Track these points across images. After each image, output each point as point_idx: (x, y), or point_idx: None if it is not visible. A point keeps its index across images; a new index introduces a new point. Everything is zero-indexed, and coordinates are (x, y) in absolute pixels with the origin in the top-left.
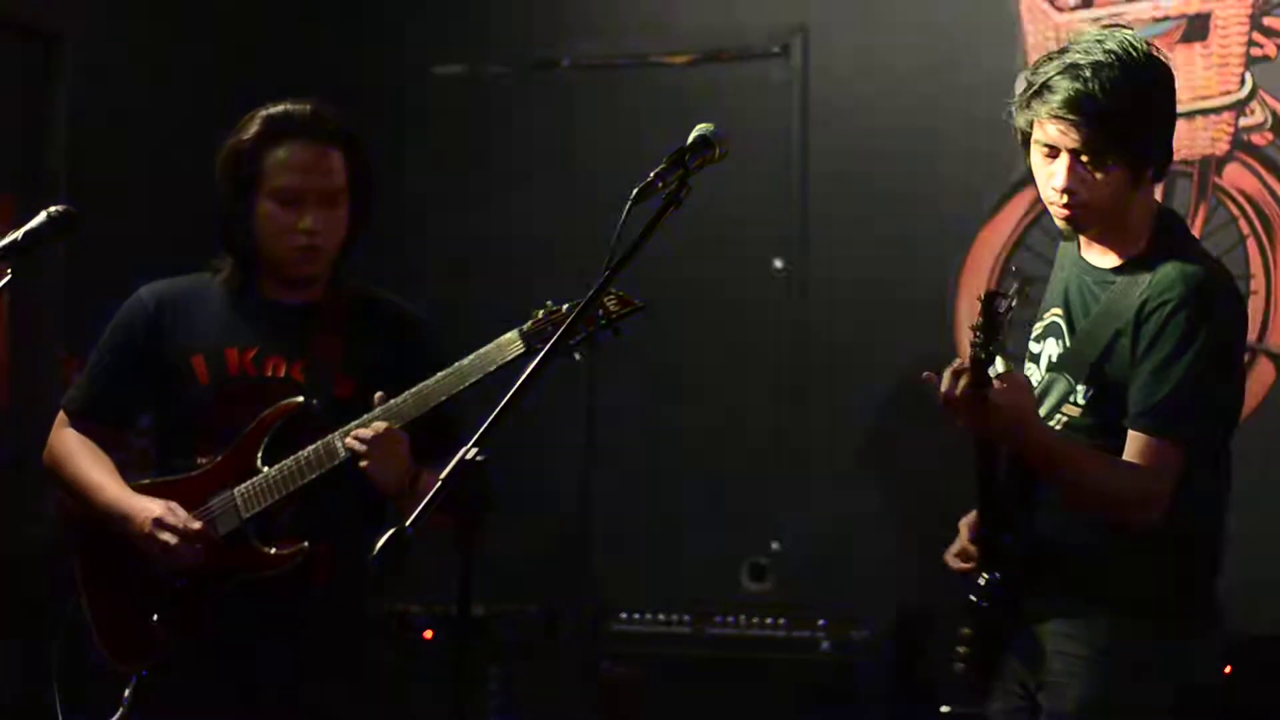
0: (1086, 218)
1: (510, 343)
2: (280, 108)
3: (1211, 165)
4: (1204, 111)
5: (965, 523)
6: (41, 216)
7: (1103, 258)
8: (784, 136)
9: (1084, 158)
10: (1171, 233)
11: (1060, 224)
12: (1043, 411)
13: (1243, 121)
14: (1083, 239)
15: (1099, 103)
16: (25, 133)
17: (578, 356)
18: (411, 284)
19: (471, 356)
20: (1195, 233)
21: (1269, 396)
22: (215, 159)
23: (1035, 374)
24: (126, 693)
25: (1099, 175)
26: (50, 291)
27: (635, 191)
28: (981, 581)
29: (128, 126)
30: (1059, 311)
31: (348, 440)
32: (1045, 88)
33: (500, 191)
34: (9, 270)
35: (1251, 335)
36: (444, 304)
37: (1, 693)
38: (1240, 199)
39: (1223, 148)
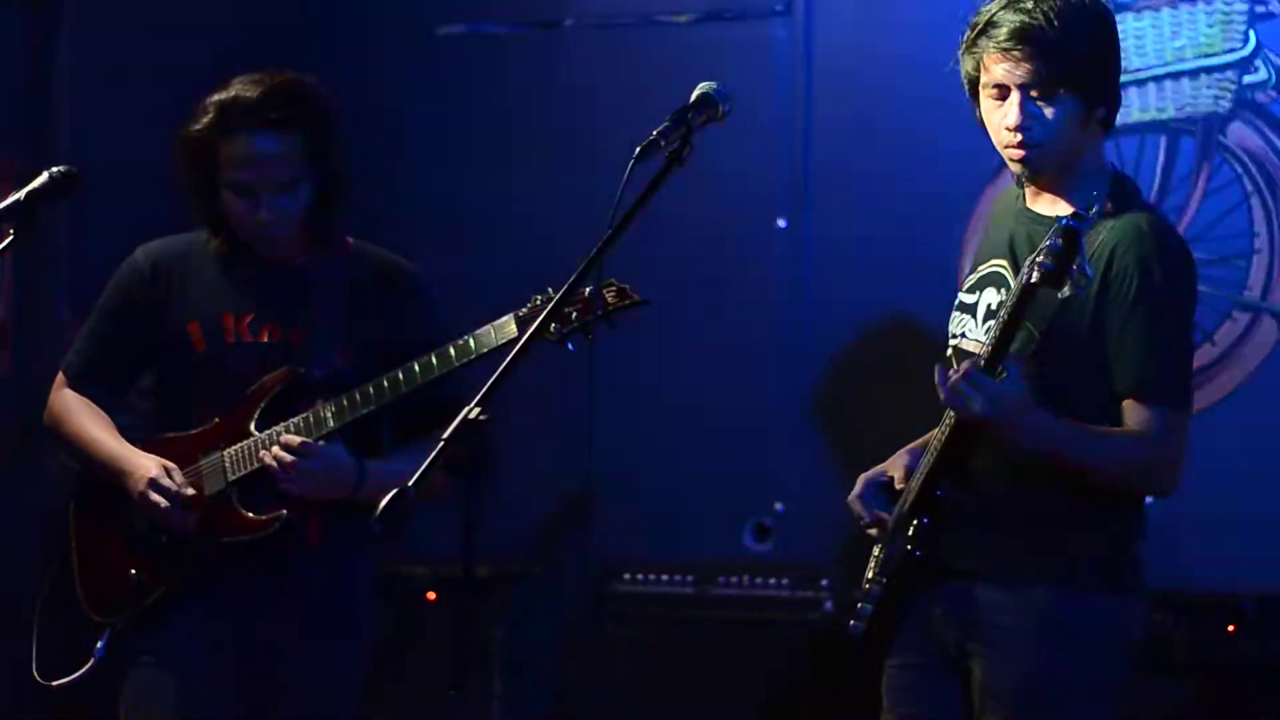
0: (1041, 158)
1: (505, 326)
2: (230, 94)
3: (1215, 123)
4: (1207, 69)
5: (866, 478)
6: (43, 177)
7: (1053, 208)
8: (787, 95)
9: (1034, 92)
10: (1128, 188)
11: (1015, 168)
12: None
13: (1246, 79)
14: (1029, 191)
15: (1045, 32)
16: (26, 94)
17: (570, 347)
18: (413, 246)
19: (465, 338)
20: (1198, 191)
21: (1271, 356)
22: (172, 146)
23: (971, 324)
24: (99, 645)
25: (1050, 110)
26: (53, 253)
27: (638, 150)
28: (911, 530)
29: (129, 87)
30: (1002, 262)
31: (266, 458)
32: (989, 25)
33: (503, 151)
34: (11, 232)
35: (1254, 294)
36: (446, 265)
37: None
38: (1244, 157)
39: (1226, 106)
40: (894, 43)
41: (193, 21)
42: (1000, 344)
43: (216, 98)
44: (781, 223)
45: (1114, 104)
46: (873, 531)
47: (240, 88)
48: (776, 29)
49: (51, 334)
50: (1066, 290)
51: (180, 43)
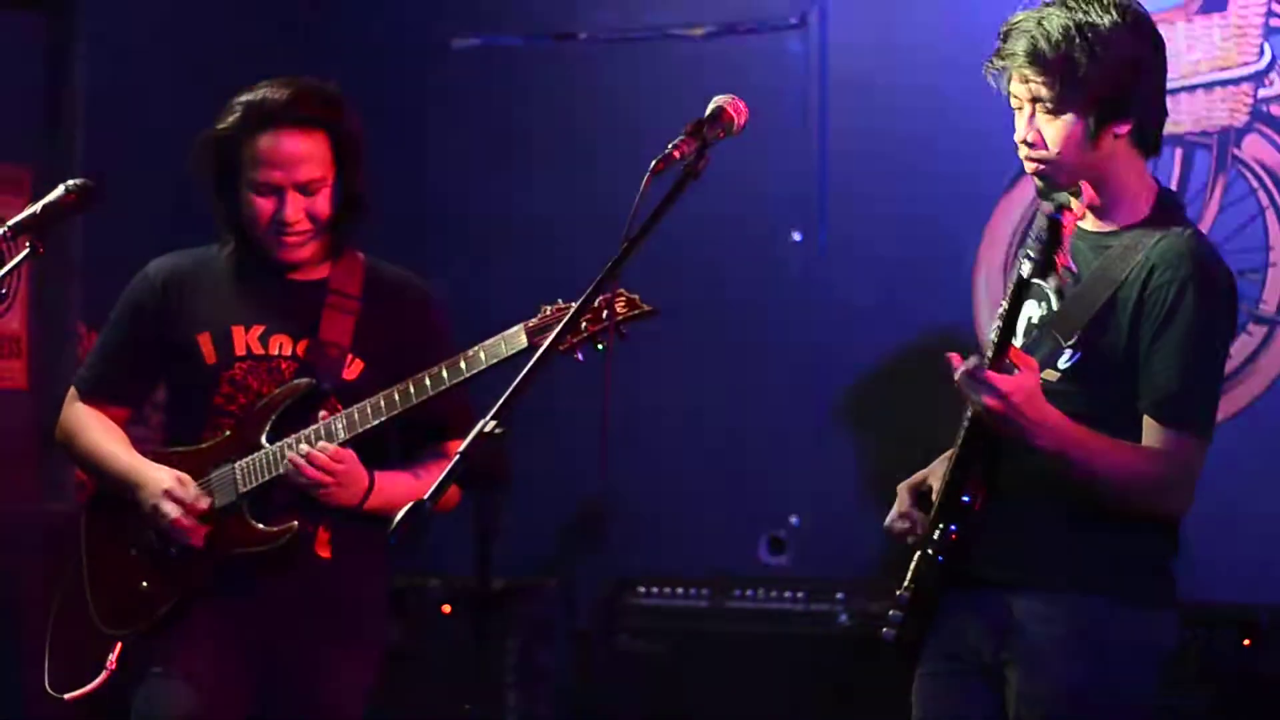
0: (1052, 171)
1: (515, 337)
2: (259, 94)
3: (1230, 137)
4: (1222, 83)
5: (905, 487)
6: (60, 190)
7: (1098, 223)
8: (802, 108)
9: (1041, 108)
10: (1173, 207)
11: (1035, 181)
12: None
13: (1262, 92)
14: (1075, 203)
15: (1048, 52)
16: (42, 105)
17: (580, 357)
18: (430, 258)
19: (474, 350)
20: (1214, 205)
21: None
22: (194, 150)
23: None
24: (111, 657)
25: (1056, 126)
26: (68, 266)
27: (653, 164)
28: (936, 535)
29: (145, 97)
30: None
31: (290, 462)
32: (1005, 38)
33: (519, 164)
34: (28, 244)
35: (1270, 307)
36: (463, 278)
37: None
38: (1259, 170)
39: (1241, 119)
40: (908, 55)
41: (207, 33)
42: (1002, 338)
43: (244, 98)
44: (797, 235)
45: (1143, 119)
46: (910, 539)
47: (268, 89)
48: (791, 42)
49: (67, 346)
50: (1052, 282)
51: (194, 55)
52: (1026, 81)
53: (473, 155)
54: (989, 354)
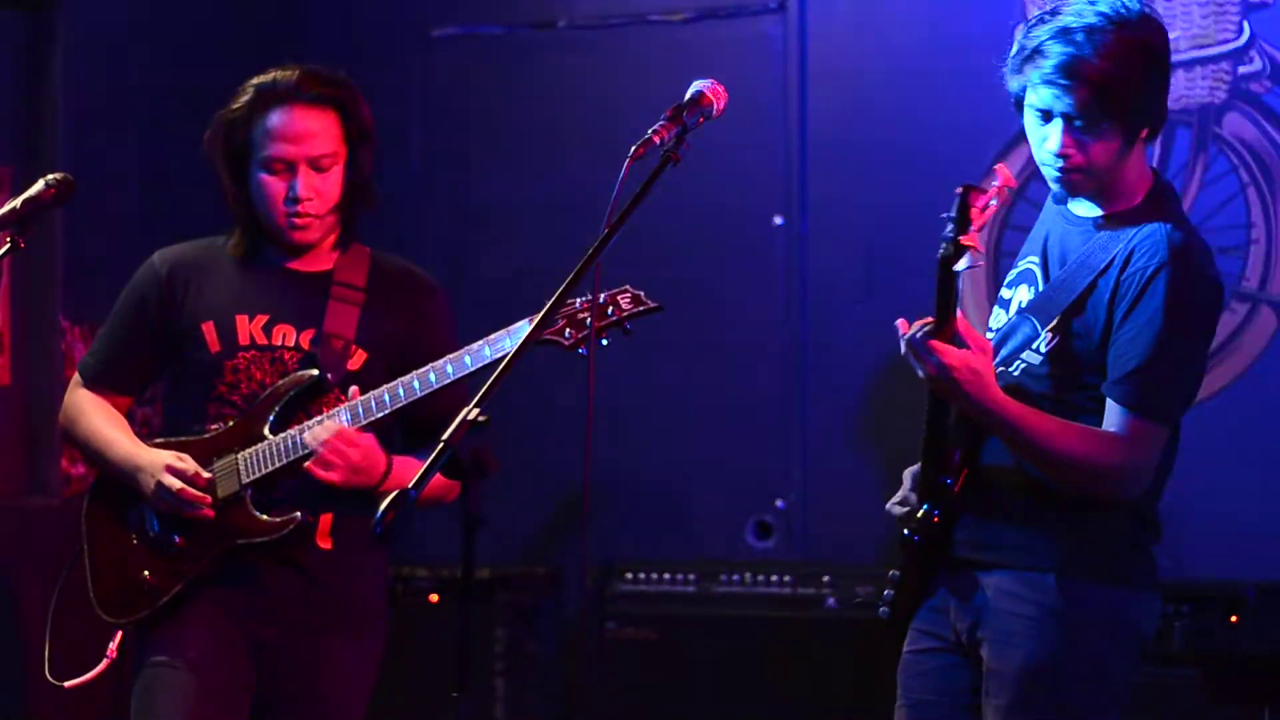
0: (1083, 181)
1: (519, 332)
2: (269, 76)
3: (1210, 114)
4: (1202, 60)
5: (909, 472)
6: (40, 185)
7: (1089, 210)
8: (782, 92)
9: (1077, 122)
10: (1165, 198)
11: (1054, 187)
12: (1004, 354)
13: (1241, 70)
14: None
15: (1091, 67)
16: (22, 102)
17: (582, 352)
18: (411, 246)
19: (479, 343)
20: (1195, 183)
21: (1270, 346)
22: (207, 133)
23: (1002, 318)
24: (112, 646)
25: (1093, 139)
26: (50, 261)
27: (634, 149)
28: (919, 514)
29: (125, 94)
30: (1035, 259)
31: (308, 438)
32: (1037, 52)
33: (499, 152)
34: (9, 239)
35: (1252, 284)
36: (445, 266)
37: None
38: (1240, 148)
39: (1221, 97)
40: (888, 39)
41: (189, 28)
42: (939, 313)
43: (255, 80)
44: (778, 220)
45: (1160, 121)
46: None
47: (278, 71)
48: (771, 26)
49: (49, 341)
50: (964, 262)
51: (174, 50)
52: (1063, 96)
53: (453, 144)
54: (932, 322)
